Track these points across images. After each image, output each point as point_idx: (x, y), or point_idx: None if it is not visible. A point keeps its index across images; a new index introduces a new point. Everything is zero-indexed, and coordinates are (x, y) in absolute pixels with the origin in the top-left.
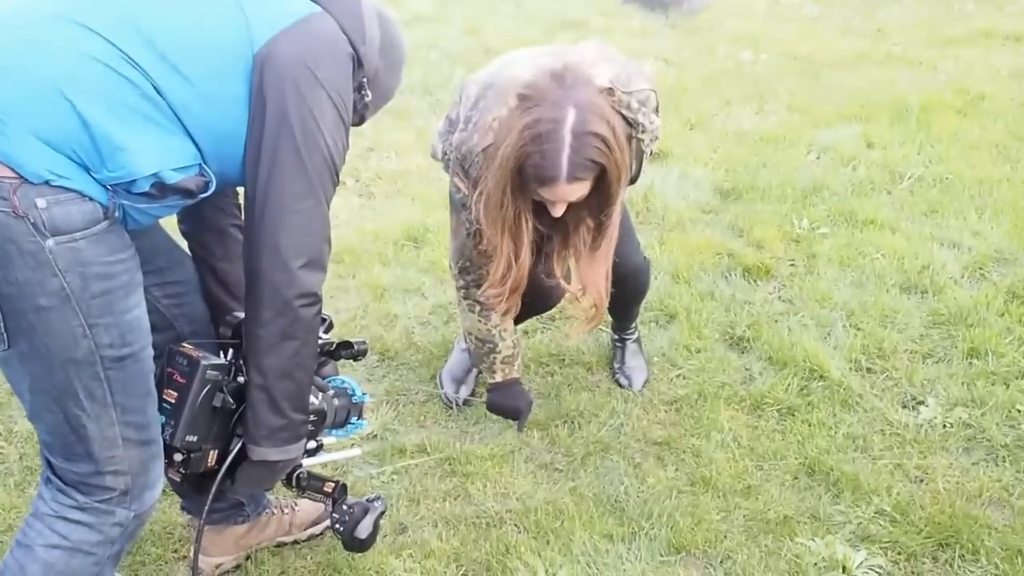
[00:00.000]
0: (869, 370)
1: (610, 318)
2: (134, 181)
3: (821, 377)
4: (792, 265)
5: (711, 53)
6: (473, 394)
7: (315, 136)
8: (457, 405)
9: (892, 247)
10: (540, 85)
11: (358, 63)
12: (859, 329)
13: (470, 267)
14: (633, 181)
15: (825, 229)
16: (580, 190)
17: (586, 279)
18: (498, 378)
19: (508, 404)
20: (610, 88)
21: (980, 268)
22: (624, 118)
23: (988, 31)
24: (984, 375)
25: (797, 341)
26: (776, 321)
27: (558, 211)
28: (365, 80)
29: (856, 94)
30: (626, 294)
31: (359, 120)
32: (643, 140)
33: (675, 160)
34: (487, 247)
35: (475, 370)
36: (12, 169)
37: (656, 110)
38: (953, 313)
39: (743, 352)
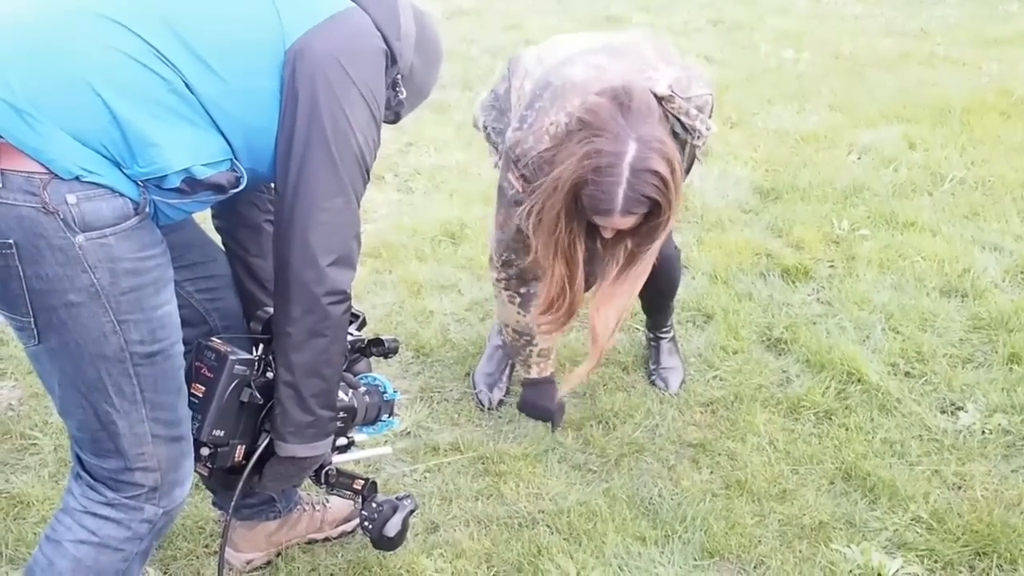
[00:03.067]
0: (908, 374)
1: (644, 316)
2: (165, 177)
3: (859, 381)
4: (831, 267)
5: (753, 51)
6: (507, 394)
7: (346, 133)
8: (490, 407)
9: (933, 250)
10: (602, 113)
11: (392, 60)
12: (898, 332)
13: (514, 260)
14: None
15: (865, 231)
16: (632, 221)
17: (600, 305)
18: (533, 373)
19: (541, 405)
20: (670, 95)
21: (1022, 272)
22: (682, 124)
23: None
24: None
25: (835, 344)
26: (814, 323)
27: (608, 234)
28: (400, 77)
29: (898, 94)
30: (657, 284)
31: (394, 118)
32: (698, 146)
33: (715, 159)
34: (539, 269)
35: (508, 371)
36: (42, 164)
37: (711, 114)
38: (994, 317)
39: (780, 354)
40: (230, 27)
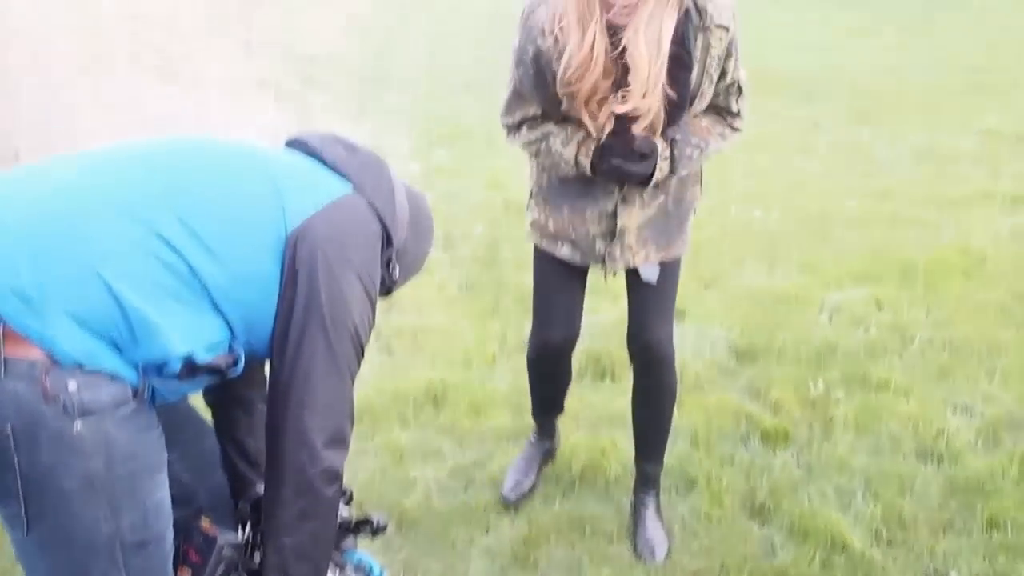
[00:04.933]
0: (890, 543)
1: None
2: (166, 362)
3: (843, 549)
4: (809, 429)
5: (724, 211)
6: (533, 488)
7: (343, 315)
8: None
9: (906, 412)
10: None
11: (387, 240)
12: (878, 498)
13: (514, 106)
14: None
15: (840, 393)
16: None
17: (631, 42)
18: (583, 160)
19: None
20: None
21: (994, 433)
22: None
23: (987, 192)
24: (1004, 548)
25: (818, 510)
26: (796, 489)
27: None
28: (394, 255)
29: (864, 254)
30: (649, 383)
31: (387, 292)
32: (711, 31)
33: (692, 319)
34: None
35: (538, 468)
36: (45, 351)
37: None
38: (970, 481)
39: (764, 522)
40: (234, 213)
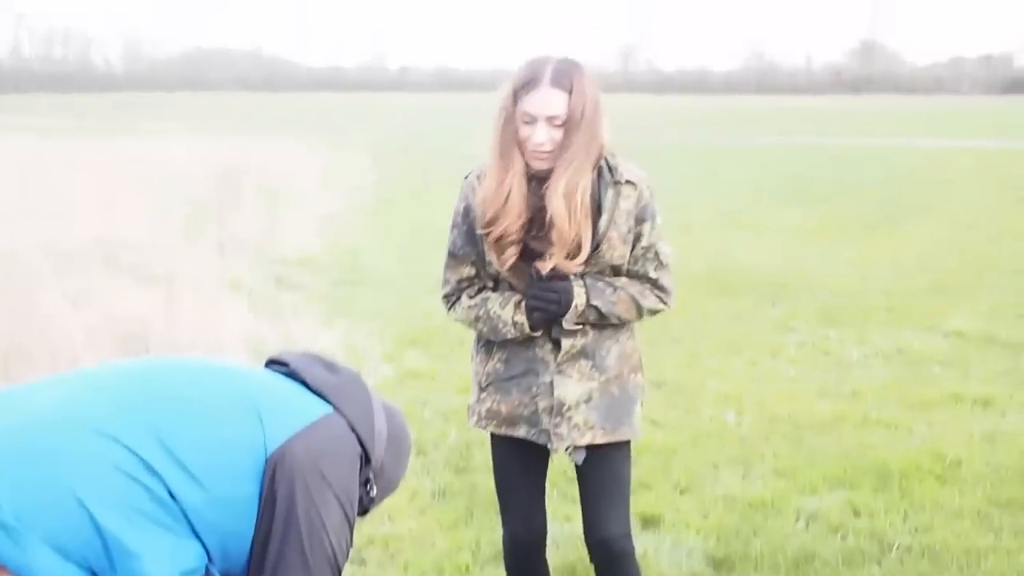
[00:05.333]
0: None
1: None
2: None
3: None
4: None
5: (696, 414)
6: None
7: (320, 537)
8: None
9: None
10: None
11: (365, 459)
12: None
13: (450, 272)
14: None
15: None
16: (558, 101)
17: (551, 193)
18: (519, 318)
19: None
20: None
21: None
22: (608, 165)
23: (956, 394)
24: None
25: None
26: None
27: (538, 134)
28: (372, 475)
29: (838, 458)
30: None
31: (363, 511)
32: (621, 186)
33: (667, 527)
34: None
35: None
36: None
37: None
38: None
39: None
40: (214, 435)
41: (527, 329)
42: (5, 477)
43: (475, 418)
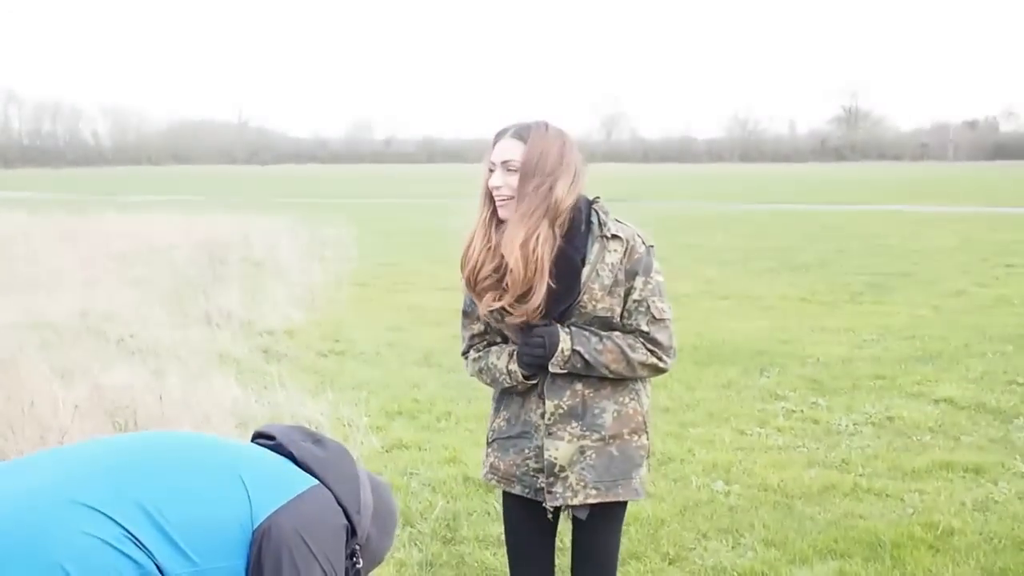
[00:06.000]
0: None
1: None
2: None
3: None
4: None
5: (685, 484)
6: None
7: None
8: None
9: None
10: None
11: (352, 532)
12: None
13: (464, 330)
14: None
15: None
16: (513, 149)
17: (506, 240)
18: (512, 367)
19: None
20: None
21: None
22: (598, 218)
23: (947, 463)
24: None
25: None
26: None
27: (494, 178)
28: (358, 547)
29: (828, 528)
30: None
31: None
32: (607, 240)
33: None
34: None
35: None
36: None
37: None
38: None
39: None
40: (201, 509)
41: (520, 377)
42: None
43: (484, 470)
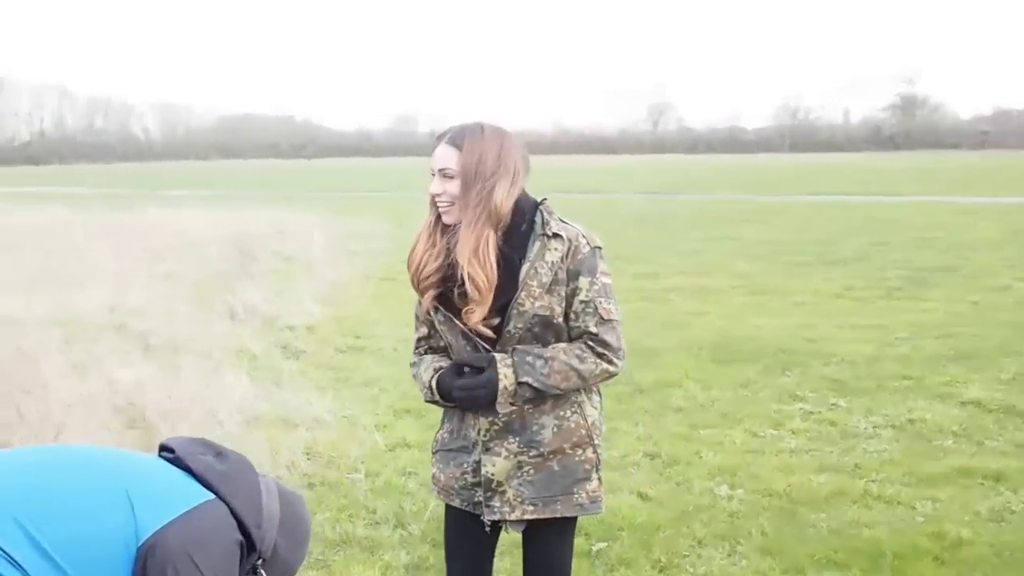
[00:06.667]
0: None
1: None
2: None
3: None
4: None
5: (687, 488)
6: None
7: None
8: None
9: None
10: None
11: (251, 547)
12: None
13: (415, 332)
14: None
15: None
16: (448, 156)
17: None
18: (433, 383)
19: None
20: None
21: None
22: (542, 219)
23: (966, 469)
24: None
25: None
26: None
27: (433, 186)
28: (260, 561)
29: (830, 536)
30: None
31: None
32: (548, 239)
33: None
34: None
35: None
36: None
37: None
38: None
39: None
40: (82, 525)
41: (437, 396)
42: None
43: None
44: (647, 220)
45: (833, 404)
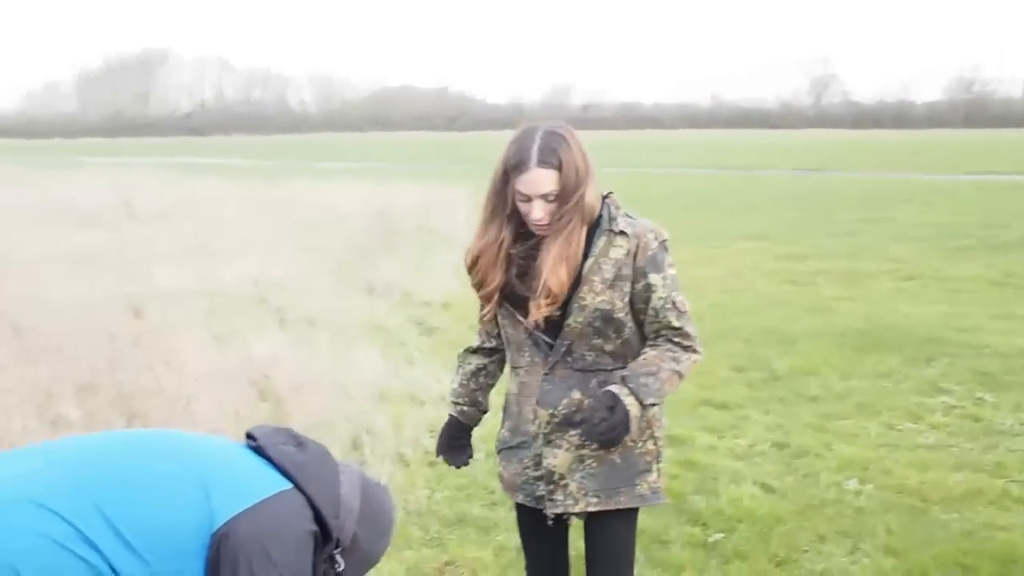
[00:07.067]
0: None
1: None
2: None
3: None
4: None
5: (814, 481)
6: None
7: None
8: None
9: None
10: None
11: (327, 536)
12: None
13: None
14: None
15: None
16: (548, 180)
17: (549, 269)
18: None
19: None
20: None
21: None
22: (608, 211)
23: None
24: None
25: None
26: None
27: (535, 211)
28: (337, 552)
29: (960, 538)
30: None
31: None
32: (614, 236)
33: None
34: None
35: None
36: None
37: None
38: None
39: None
40: (158, 512)
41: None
42: None
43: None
44: (801, 199)
45: (979, 399)
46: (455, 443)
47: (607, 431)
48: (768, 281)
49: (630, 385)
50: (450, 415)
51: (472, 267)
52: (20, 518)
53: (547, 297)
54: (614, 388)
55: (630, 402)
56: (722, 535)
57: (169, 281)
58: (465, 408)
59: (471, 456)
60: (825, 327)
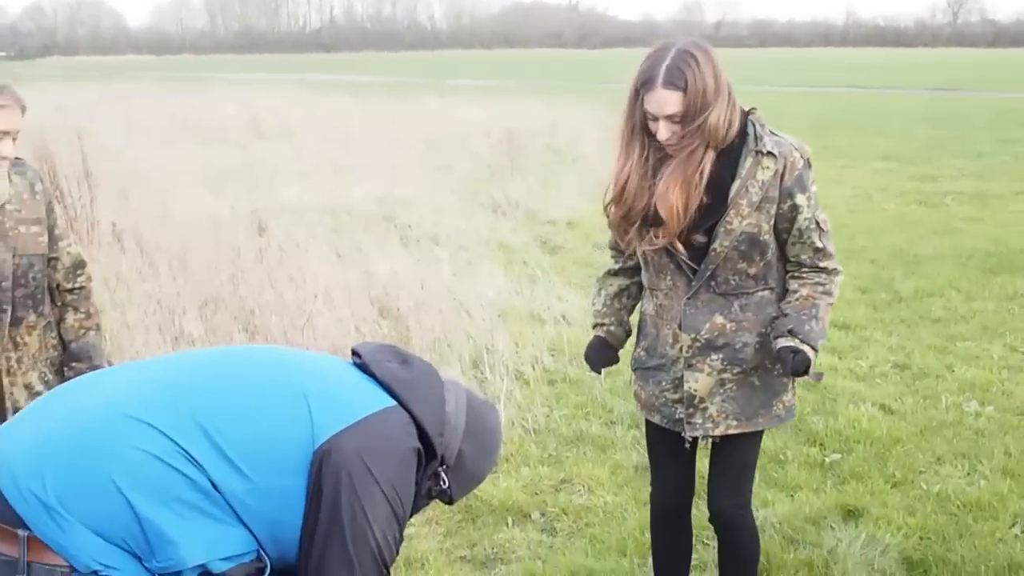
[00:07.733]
0: None
1: None
2: (180, 572)
3: None
4: None
5: (934, 402)
6: None
7: (365, 532)
8: None
9: None
10: None
11: (431, 454)
12: None
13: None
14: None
15: None
16: (673, 101)
17: (666, 189)
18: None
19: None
20: (756, 112)
21: None
22: (754, 131)
23: None
24: None
25: None
26: None
27: (661, 131)
28: (443, 469)
29: None
30: (725, 547)
31: (448, 501)
32: (762, 156)
33: (867, 522)
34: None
35: None
36: (65, 558)
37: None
38: None
39: None
40: (260, 428)
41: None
42: (52, 462)
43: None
44: (935, 119)
45: None
46: (608, 361)
47: (800, 364)
48: (897, 202)
49: (799, 337)
50: (596, 335)
51: (620, 196)
52: (119, 432)
53: (668, 217)
54: (786, 342)
55: (807, 351)
56: (839, 456)
57: (294, 198)
58: (612, 328)
59: (617, 361)
60: (952, 248)
